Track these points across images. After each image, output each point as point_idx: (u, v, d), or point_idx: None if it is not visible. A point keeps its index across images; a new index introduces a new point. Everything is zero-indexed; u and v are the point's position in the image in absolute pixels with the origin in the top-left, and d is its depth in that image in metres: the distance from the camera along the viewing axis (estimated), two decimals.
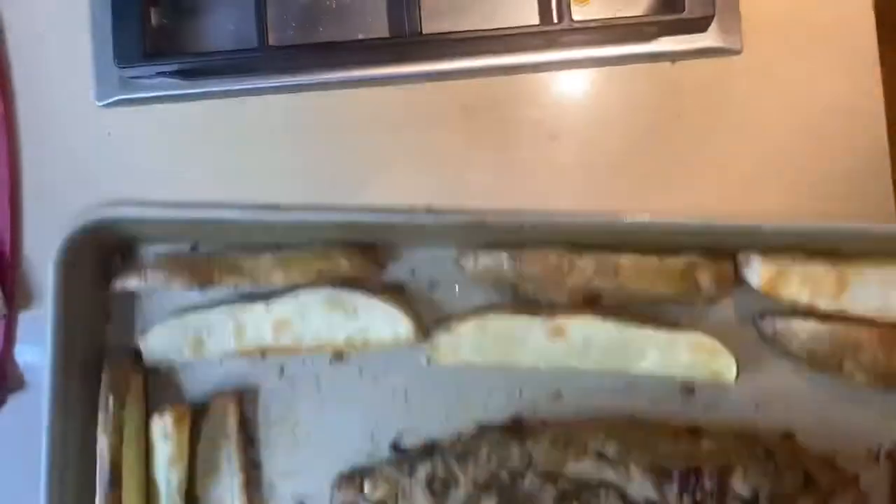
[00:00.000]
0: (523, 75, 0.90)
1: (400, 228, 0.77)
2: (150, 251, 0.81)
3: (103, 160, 0.98)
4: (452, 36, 0.85)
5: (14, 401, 0.93)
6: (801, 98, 0.91)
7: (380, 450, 0.78)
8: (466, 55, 0.91)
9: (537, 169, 0.84)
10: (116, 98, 1.00)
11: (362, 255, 0.77)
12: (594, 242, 0.76)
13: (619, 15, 0.87)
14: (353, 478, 0.73)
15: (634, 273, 0.74)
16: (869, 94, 0.91)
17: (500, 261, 0.75)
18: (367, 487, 0.71)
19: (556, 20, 0.87)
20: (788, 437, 0.75)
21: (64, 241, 0.77)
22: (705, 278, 0.74)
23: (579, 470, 0.69)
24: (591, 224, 0.75)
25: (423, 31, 0.86)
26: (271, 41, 0.89)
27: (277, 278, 0.75)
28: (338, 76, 0.90)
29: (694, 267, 0.74)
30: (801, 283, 0.73)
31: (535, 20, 0.91)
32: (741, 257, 0.75)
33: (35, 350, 0.93)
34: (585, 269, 0.74)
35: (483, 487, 0.68)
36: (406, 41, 0.87)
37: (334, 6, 0.95)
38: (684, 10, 0.82)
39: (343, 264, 0.75)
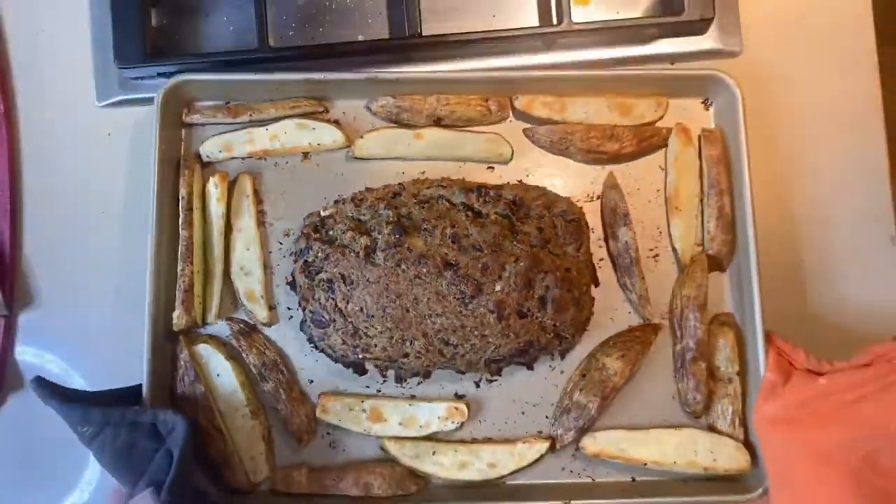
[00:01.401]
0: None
1: (336, 85, 1.18)
2: (203, 104, 1.18)
3: (103, 160, 1.05)
4: (452, 38, 0.79)
5: (15, 399, 0.98)
6: (799, 100, 0.87)
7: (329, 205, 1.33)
8: (466, 57, 0.90)
9: None
10: (116, 98, 1.05)
11: (317, 102, 1.24)
12: (439, 90, 1.20)
13: (619, 17, 0.78)
14: (314, 212, 1.34)
15: (457, 105, 1.21)
16: (868, 94, 0.83)
17: (389, 102, 1.22)
18: (322, 212, 1.33)
19: (555, 21, 0.77)
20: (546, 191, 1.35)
21: (160, 93, 1.05)
22: (494, 106, 1.23)
23: (428, 193, 1.30)
24: (437, 79, 1.19)
25: (423, 33, 0.83)
26: (271, 42, 0.92)
27: (271, 113, 1.23)
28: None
29: (487, 99, 1.23)
30: (542, 105, 1.23)
31: (535, 22, 0.82)
32: (514, 96, 1.24)
33: (35, 350, 0.95)
34: (432, 103, 1.21)
35: (379, 199, 1.30)
36: (406, 42, 0.82)
37: (334, 6, 0.93)
38: (684, 12, 0.71)
39: (306, 106, 1.24)
